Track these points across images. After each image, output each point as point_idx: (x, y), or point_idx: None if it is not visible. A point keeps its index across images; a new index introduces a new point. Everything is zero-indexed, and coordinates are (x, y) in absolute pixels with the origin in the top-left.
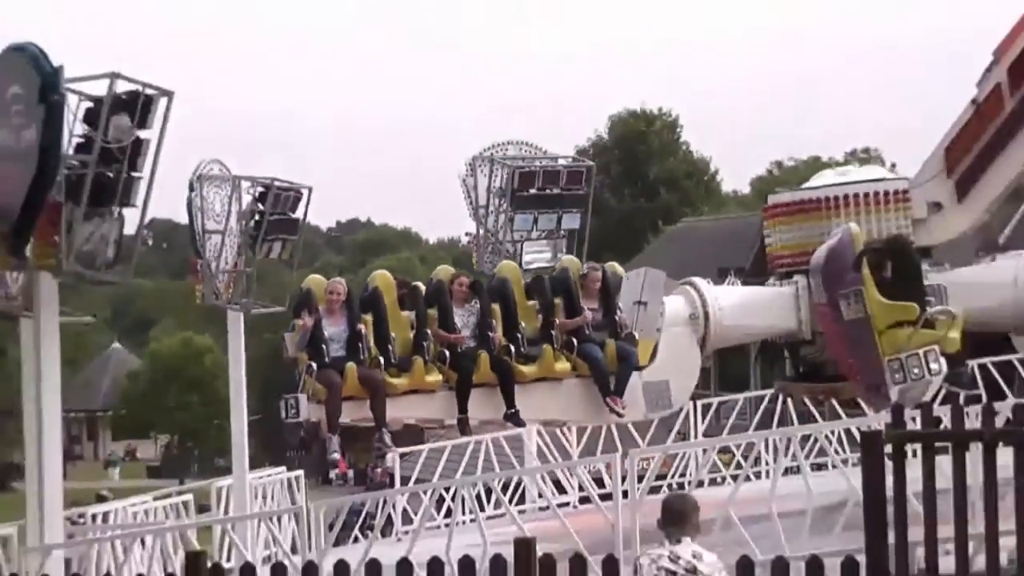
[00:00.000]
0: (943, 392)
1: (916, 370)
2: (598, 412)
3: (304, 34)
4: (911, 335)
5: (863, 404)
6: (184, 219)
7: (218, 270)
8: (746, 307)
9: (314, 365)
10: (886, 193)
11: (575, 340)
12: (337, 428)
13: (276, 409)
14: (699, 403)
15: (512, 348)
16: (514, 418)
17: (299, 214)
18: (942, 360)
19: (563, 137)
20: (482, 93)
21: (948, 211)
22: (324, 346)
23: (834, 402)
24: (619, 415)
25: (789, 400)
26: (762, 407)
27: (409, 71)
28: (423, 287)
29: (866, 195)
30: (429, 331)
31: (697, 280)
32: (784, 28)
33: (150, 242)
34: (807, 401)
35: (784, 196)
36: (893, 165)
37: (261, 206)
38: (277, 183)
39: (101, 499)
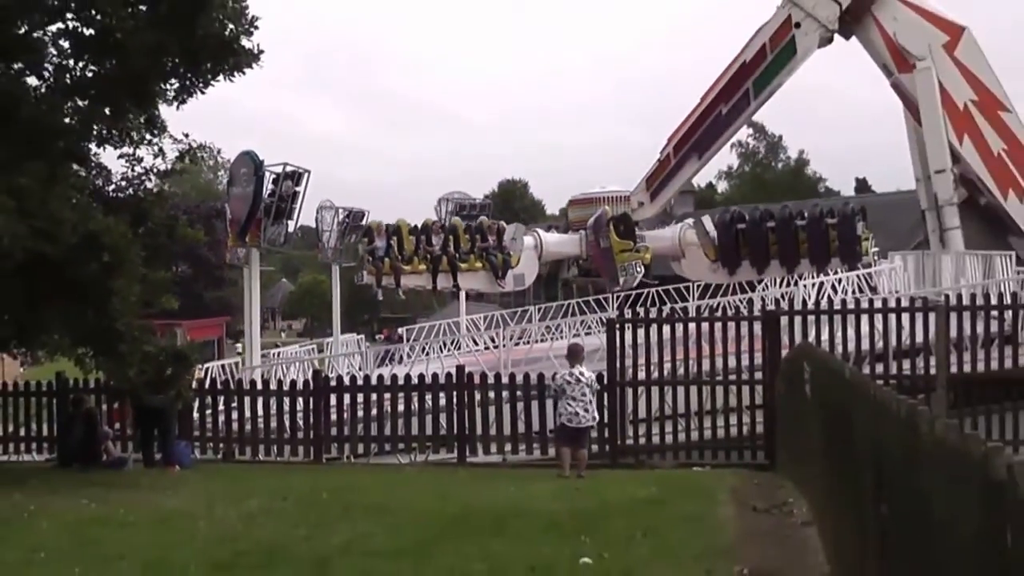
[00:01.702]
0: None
1: (631, 270)
2: (493, 286)
3: None
4: (629, 255)
5: (608, 285)
6: (313, 224)
7: (328, 247)
8: (560, 243)
9: (371, 258)
10: (620, 196)
11: (485, 253)
12: (380, 284)
13: (356, 307)
14: (536, 307)
15: (457, 255)
16: (456, 287)
17: (365, 221)
18: (643, 267)
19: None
20: None
21: (646, 206)
22: (374, 251)
23: (595, 307)
24: (502, 287)
25: (574, 307)
26: (563, 309)
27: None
28: (419, 226)
29: (611, 196)
30: (421, 246)
31: (539, 229)
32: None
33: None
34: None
35: (579, 195)
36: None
37: (347, 219)
38: (354, 209)
39: (276, 347)
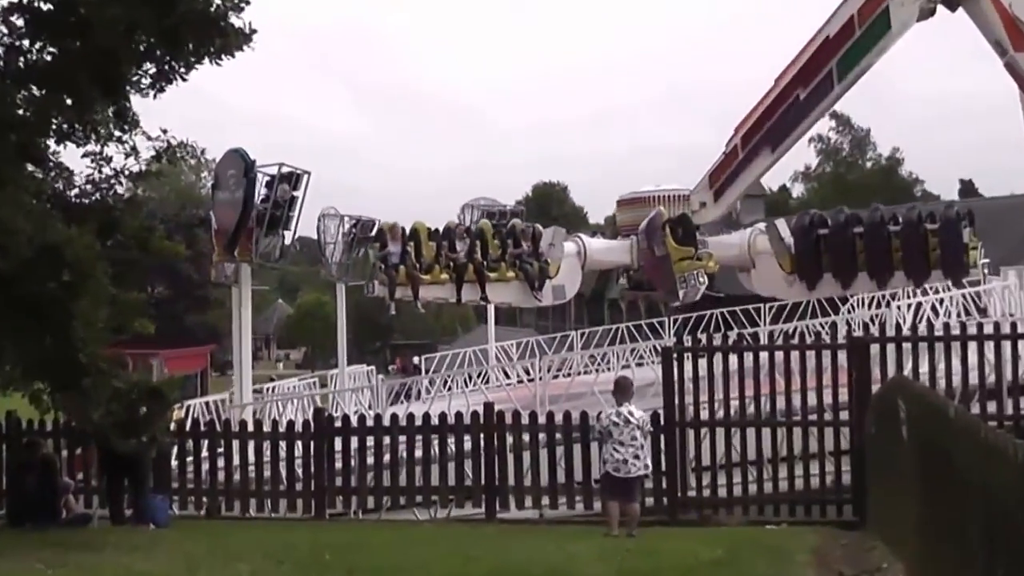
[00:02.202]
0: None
1: (692, 282)
2: (527, 298)
3: None
4: (690, 264)
5: (665, 299)
6: (314, 235)
7: (332, 262)
8: (606, 250)
9: (383, 265)
10: (679, 196)
11: (518, 261)
12: (394, 297)
13: (362, 334)
14: (578, 332)
15: (485, 264)
16: (485, 299)
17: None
18: (706, 277)
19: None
20: None
21: (709, 207)
22: (388, 257)
23: (648, 332)
24: (539, 300)
25: (625, 331)
26: (611, 334)
27: None
28: (441, 229)
29: (669, 196)
30: (443, 252)
31: (582, 234)
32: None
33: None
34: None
35: (628, 194)
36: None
37: (355, 230)
38: (363, 218)
39: (271, 380)
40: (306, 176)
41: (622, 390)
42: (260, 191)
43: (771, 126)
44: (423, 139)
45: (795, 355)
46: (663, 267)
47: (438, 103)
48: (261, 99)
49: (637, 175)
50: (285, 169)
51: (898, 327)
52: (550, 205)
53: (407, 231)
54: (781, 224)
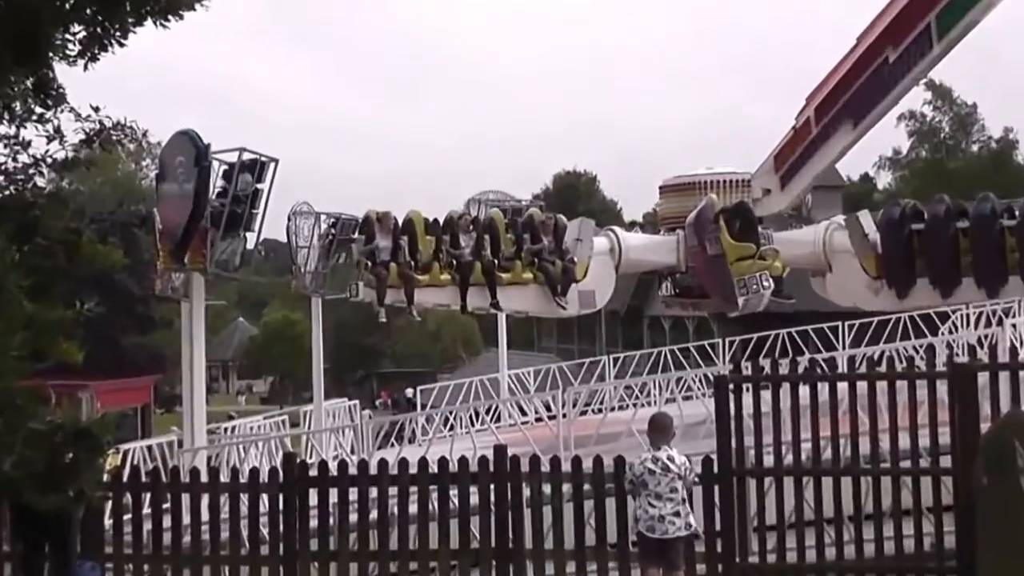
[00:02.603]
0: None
1: (754, 286)
2: (549, 306)
3: None
4: (751, 264)
5: (721, 308)
6: (284, 238)
7: (305, 271)
8: (645, 248)
9: (369, 264)
10: (736, 181)
11: (536, 260)
12: (383, 302)
13: (342, 360)
14: (611, 357)
15: (495, 262)
16: (496, 306)
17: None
18: (771, 280)
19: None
20: None
21: (775, 195)
22: (376, 253)
23: (697, 357)
24: (563, 308)
25: (668, 356)
26: (651, 360)
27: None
28: (441, 220)
29: (724, 181)
30: (443, 248)
31: (615, 228)
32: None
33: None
34: (685, 310)
35: (672, 178)
36: None
37: (334, 232)
38: (343, 216)
39: (230, 418)
40: (273, 165)
41: (660, 430)
42: (216, 183)
43: (852, 95)
44: (420, 111)
45: (883, 386)
46: (717, 268)
47: (440, 62)
48: (218, 71)
49: (683, 158)
50: (247, 156)
51: (1013, 350)
52: (574, 199)
53: (400, 222)
54: (865, 217)
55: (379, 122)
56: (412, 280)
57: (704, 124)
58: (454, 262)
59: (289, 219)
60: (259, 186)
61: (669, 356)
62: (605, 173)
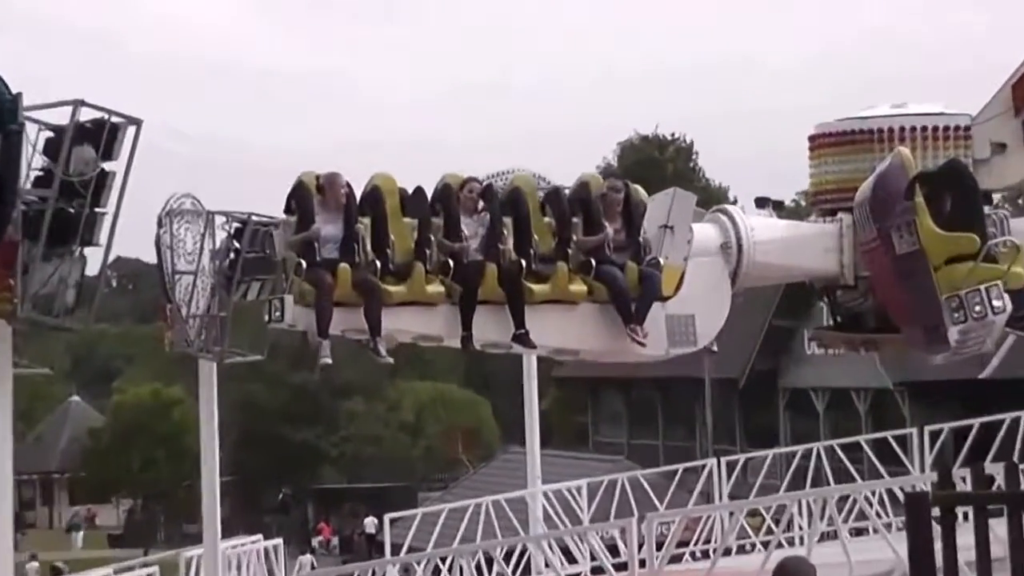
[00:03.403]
0: (1009, 340)
1: (978, 308)
2: (616, 341)
3: None
4: (971, 270)
5: (917, 350)
6: (153, 258)
7: (189, 314)
8: (784, 242)
9: (303, 264)
10: (946, 128)
11: (593, 261)
12: (327, 332)
13: (252, 470)
14: (724, 460)
15: (523, 264)
16: (523, 339)
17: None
18: (1006, 297)
19: (570, 163)
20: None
21: (1012, 153)
22: (316, 244)
23: (873, 458)
24: (641, 344)
25: (823, 456)
26: (794, 464)
27: None
28: (430, 192)
29: (923, 128)
30: (432, 238)
31: (731, 207)
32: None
33: (115, 284)
34: (853, 349)
35: (832, 124)
36: None
37: (237, 244)
38: (255, 218)
39: (56, 572)
40: (133, 129)
41: None
42: (32, 159)
43: None
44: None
45: None
46: (911, 277)
47: None
48: None
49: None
50: (88, 114)
51: None
52: (652, 172)
53: (356, 194)
54: None
55: (333, 73)
56: (378, 292)
57: (878, 48)
58: (451, 262)
59: (160, 224)
60: (107, 166)
61: (824, 456)
62: (706, 138)
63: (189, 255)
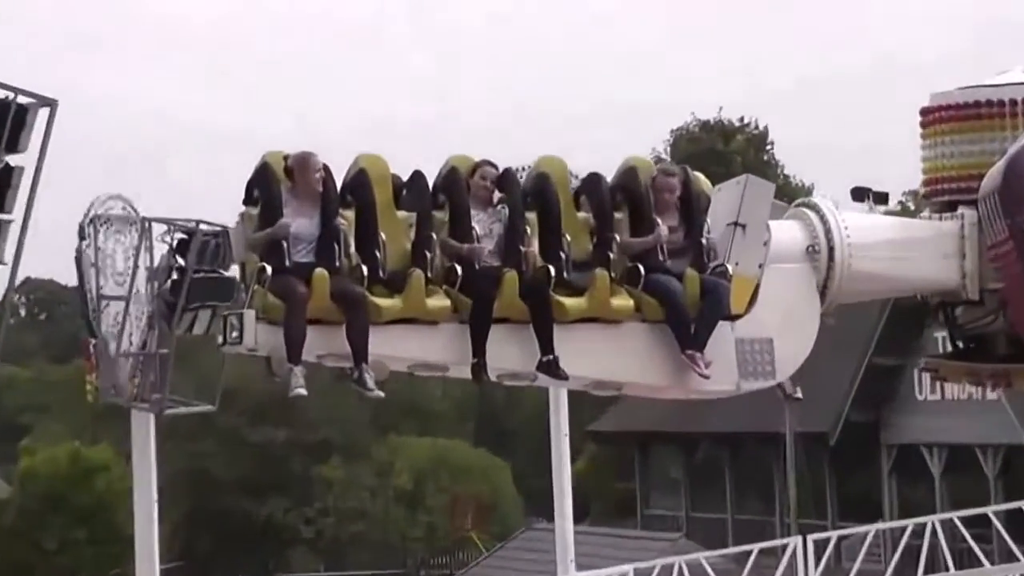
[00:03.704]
0: None
1: None
2: (670, 371)
3: None
4: None
5: None
6: (72, 279)
7: (120, 352)
8: (889, 245)
9: (268, 270)
10: None
11: (642, 268)
12: (299, 357)
13: (202, 555)
14: (811, 538)
15: (552, 271)
16: (550, 368)
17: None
18: None
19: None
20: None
21: None
22: (285, 244)
23: (1005, 535)
24: (704, 376)
25: (940, 533)
26: (902, 543)
27: None
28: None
29: None
30: (435, 238)
31: (820, 201)
32: None
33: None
34: (966, 380)
35: (951, 94)
36: None
37: (181, 260)
38: (204, 227)
39: None
40: (46, 112)
41: None
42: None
43: None
44: None
45: None
46: None
47: None
48: None
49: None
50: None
51: None
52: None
53: (334, 180)
54: None
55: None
56: (364, 306)
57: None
58: (458, 268)
59: (82, 235)
60: (14, 161)
61: (941, 532)
62: (780, 121)
63: (119, 275)
